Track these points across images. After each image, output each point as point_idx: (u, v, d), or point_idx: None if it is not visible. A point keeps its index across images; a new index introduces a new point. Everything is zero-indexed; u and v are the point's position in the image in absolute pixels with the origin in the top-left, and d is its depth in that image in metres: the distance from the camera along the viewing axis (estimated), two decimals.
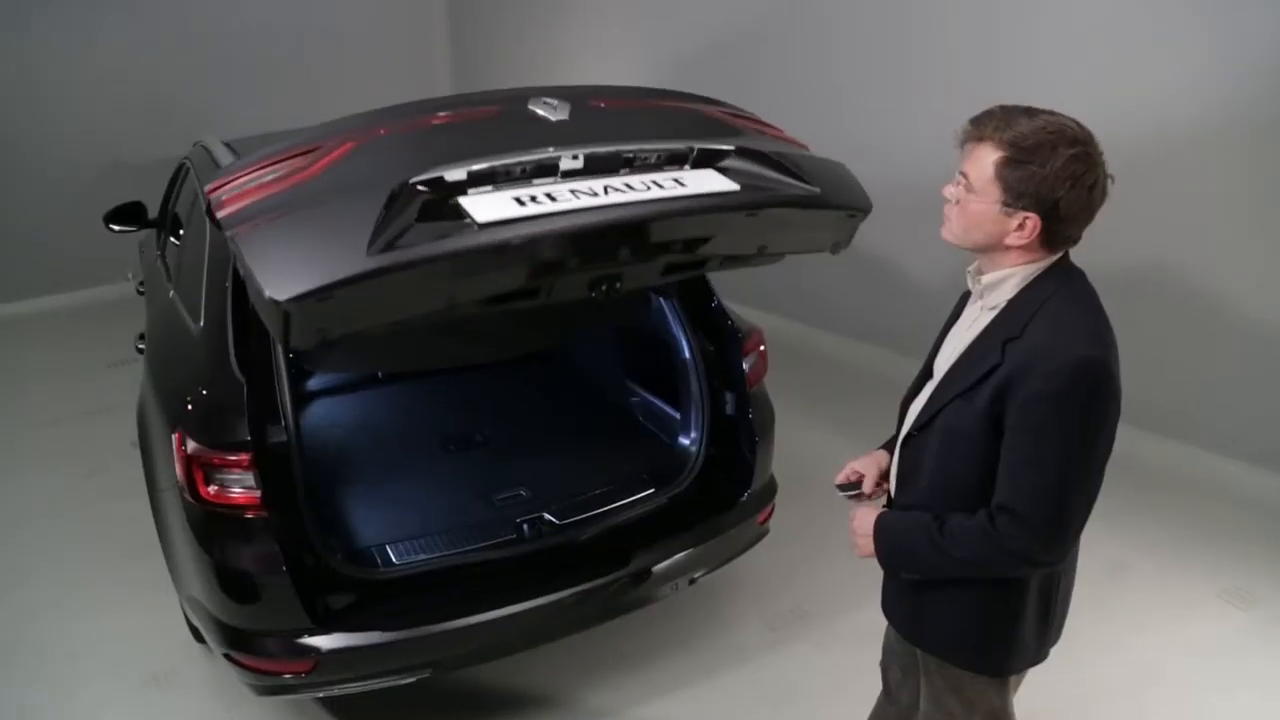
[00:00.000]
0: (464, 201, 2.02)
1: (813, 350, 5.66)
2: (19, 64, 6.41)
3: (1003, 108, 1.67)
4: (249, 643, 2.49)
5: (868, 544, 1.88)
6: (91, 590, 3.61)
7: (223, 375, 2.48)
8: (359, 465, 3.37)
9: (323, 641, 2.47)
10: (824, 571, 3.56)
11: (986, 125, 1.65)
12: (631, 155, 2.22)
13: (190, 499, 2.43)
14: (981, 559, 1.71)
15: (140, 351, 3.52)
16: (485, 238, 1.96)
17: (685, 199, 2.16)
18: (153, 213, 4.39)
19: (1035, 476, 1.64)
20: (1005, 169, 1.62)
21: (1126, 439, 4.36)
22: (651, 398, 3.50)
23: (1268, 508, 3.96)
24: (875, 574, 1.99)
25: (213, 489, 2.40)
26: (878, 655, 2.30)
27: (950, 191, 1.74)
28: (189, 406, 2.52)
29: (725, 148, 2.32)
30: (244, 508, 2.40)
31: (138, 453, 3.13)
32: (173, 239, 3.75)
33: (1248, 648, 3.24)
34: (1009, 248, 1.70)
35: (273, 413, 2.47)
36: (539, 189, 2.09)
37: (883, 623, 2.12)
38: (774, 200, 2.29)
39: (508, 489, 3.09)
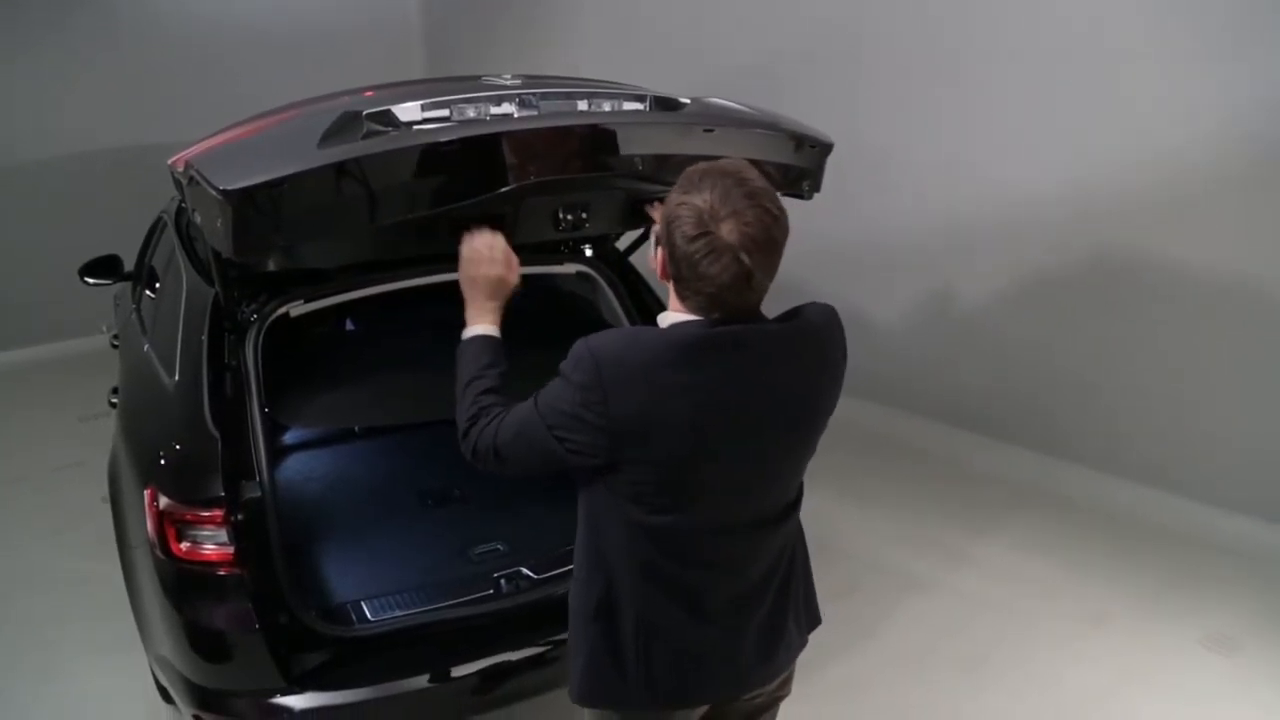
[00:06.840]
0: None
1: None
2: None
3: None
4: (219, 703, 2.42)
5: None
6: (57, 652, 3.51)
7: (197, 430, 2.44)
8: (335, 520, 3.32)
9: (295, 701, 2.40)
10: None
11: None
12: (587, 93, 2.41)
13: (161, 556, 2.38)
14: None
15: (113, 406, 3.47)
16: (426, 138, 2.06)
17: (639, 113, 2.32)
18: (128, 266, 4.36)
19: None
20: None
21: (1102, 486, 4.43)
22: None
23: (1246, 554, 3.98)
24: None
25: (185, 545, 2.35)
26: None
27: None
28: (162, 462, 2.48)
29: (683, 100, 2.46)
30: (217, 564, 2.35)
31: (108, 509, 3.08)
32: (148, 292, 3.72)
33: (1231, 694, 3.23)
34: None
35: (247, 468, 2.44)
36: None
37: None
38: (731, 119, 2.42)
39: (485, 543, 3.05)
